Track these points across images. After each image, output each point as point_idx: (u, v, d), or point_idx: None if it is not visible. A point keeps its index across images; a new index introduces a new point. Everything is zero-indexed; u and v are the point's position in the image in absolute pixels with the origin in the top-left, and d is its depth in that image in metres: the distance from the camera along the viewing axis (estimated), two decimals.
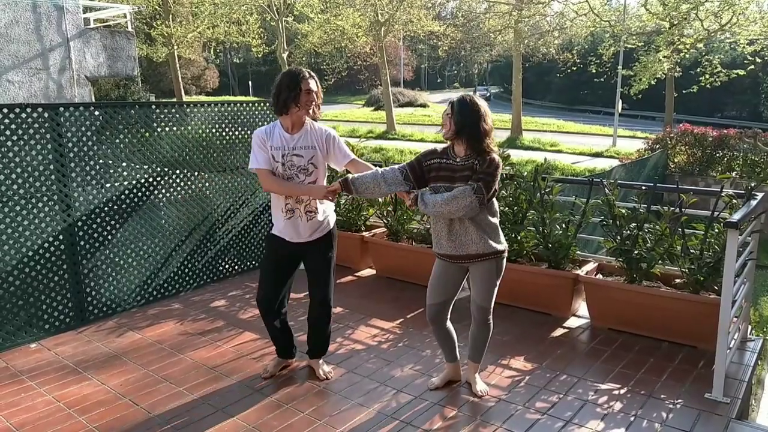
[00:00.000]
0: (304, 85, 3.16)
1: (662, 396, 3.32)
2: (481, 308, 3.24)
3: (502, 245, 3.18)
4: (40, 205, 4.10)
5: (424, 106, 41.87)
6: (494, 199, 3.19)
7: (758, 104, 33.75)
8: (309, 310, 3.56)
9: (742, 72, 19.21)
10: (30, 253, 4.06)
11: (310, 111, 3.24)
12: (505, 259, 3.23)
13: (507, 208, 4.70)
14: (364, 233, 5.66)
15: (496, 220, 3.18)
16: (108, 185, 4.49)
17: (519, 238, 4.63)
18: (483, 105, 3.04)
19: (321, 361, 3.66)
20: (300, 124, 3.28)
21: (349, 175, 3.27)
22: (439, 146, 3.23)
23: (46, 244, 4.14)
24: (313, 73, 3.24)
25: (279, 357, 3.68)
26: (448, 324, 3.38)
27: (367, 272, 5.65)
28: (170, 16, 27.34)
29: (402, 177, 3.16)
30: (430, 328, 4.27)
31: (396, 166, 3.25)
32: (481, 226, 3.08)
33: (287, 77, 3.19)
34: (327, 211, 3.43)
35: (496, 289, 3.24)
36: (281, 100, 3.17)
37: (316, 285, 3.47)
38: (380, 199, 5.54)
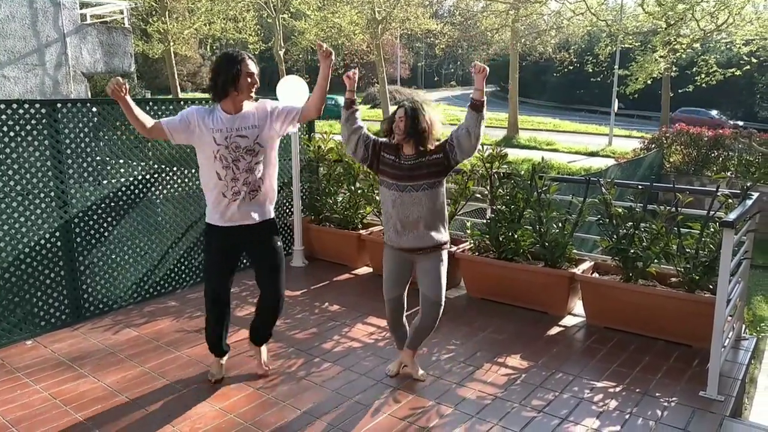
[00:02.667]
0: (244, 67, 3.05)
1: (657, 394, 3.35)
2: (435, 304, 3.28)
3: (447, 236, 3.32)
4: (36, 201, 4.09)
5: None
6: (443, 189, 3.29)
7: (753, 104, 33.86)
8: (260, 300, 3.45)
9: (737, 72, 19.29)
10: (26, 250, 4.05)
11: (251, 94, 3.14)
12: (447, 251, 3.35)
13: (504, 207, 4.72)
14: (361, 231, 5.66)
15: (444, 210, 3.30)
16: (105, 182, 4.48)
17: (516, 236, 4.65)
18: (435, 112, 3.22)
19: (264, 348, 3.63)
20: (240, 106, 3.16)
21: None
22: (392, 142, 3.31)
23: (42, 241, 4.13)
24: (251, 55, 3.15)
25: (218, 357, 3.55)
26: (404, 317, 3.52)
27: (364, 270, 5.66)
28: (167, 12, 27.28)
29: (366, 143, 3.29)
30: None
31: (365, 130, 3.33)
32: (435, 220, 3.23)
33: (225, 60, 3.06)
34: (268, 193, 3.31)
35: (445, 280, 3.32)
36: (219, 84, 3.05)
37: (269, 277, 3.36)
38: (377, 197, 5.54)
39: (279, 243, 3.39)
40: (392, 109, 3.58)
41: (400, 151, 3.26)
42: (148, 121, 3.12)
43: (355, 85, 3.28)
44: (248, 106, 3.20)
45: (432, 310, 3.30)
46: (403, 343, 3.58)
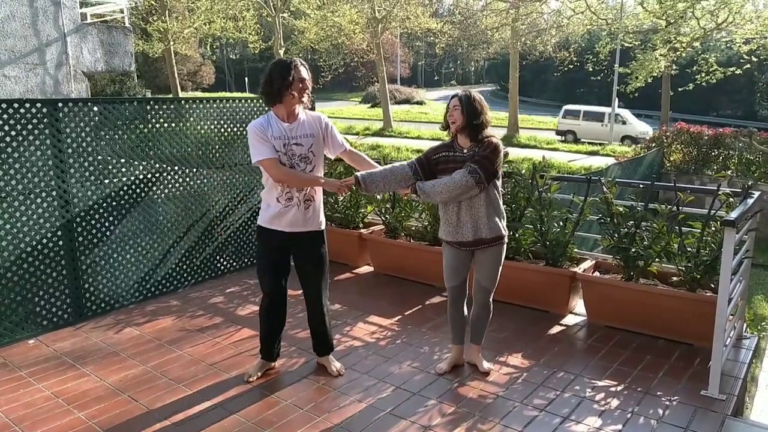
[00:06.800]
0: (297, 74, 3.14)
1: (659, 393, 3.35)
2: (486, 290, 3.47)
3: (505, 231, 3.39)
4: (38, 200, 4.09)
5: (420, 103, 41.87)
6: (497, 184, 3.34)
7: (753, 103, 33.86)
8: (308, 308, 3.56)
9: (738, 70, 19.27)
10: (28, 249, 4.06)
11: (303, 99, 3.23)
12: (506, 244, 3.45)
13: (505, 206, 4.70)
14: (362, 230, 5.67)
15: (500, 207, 3.37)
16: (106, 181, 4.48)
17: (517, 235, 4.65)
18: (484, 101, 3.29)
19: (331, 356, 3.67)
20: (294, 113, 3.26)
21: (359, 173, 3.33)
22: (444, 142, 3.42)
23: (44, 240, 4.14)
24: (303, 62, 3.23)
25: (264, 359, 3.60)
26: (465, 307, 3.58)
27: (365, 269, 5.66)
28: (166, 11, 27.26)
29: (411, 172, 3.35)
30: (428, 324, 4.31)
31: (405, 162, 3.42)
32: (487, 215, 3.28)
33: (279, 66, 3.16)
34: (320, 204, 3.43)
35: (500, 271, 3.44)
36: (275, 89, 3.14)
37: (313, 281, 3.46)
38: (378, 196, 5.54)
39: (324, 251, 3.46)
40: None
41: (454, 144, 3.32)
42: (287, 168, 3.26)
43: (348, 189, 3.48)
44: (302, 113, 3.30)
45: (483, 296, 3.47)
46: (458, 338, 3.64)
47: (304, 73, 3.18)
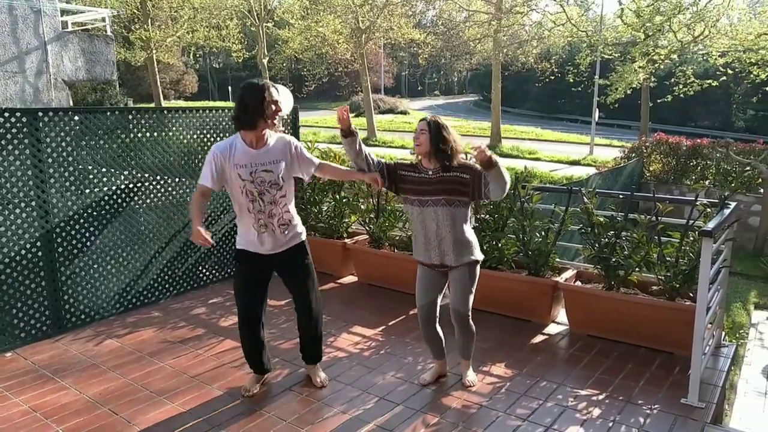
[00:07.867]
0: (270, 97, 3.07)
1: (640, 401, 3.39)
2: (460, 314, 3.41)
3: (478, 254, 3.37)
4: (17, 211, 4.03)
5: (404, 113, 42.02)
6: (470, 211, 3.36)
7: (730, 114, 34.53)
8: (298, 319, 3.54)
9: (714, 82, 19.68)
10: (6, 260, 3.99)
11: (276, 122, 3.17)
12: (479, 267, 3.41)
13: (488, 216, 4.75)
14: (346, 240, 5.67)
15: (469, 236, 3.33)
16: (87, 191, 4.43)
17: (499, 245, 4.69)
18: (451, 128, 3.25)
19: (318, 366, 3.66)
20: (263, 138, 3.19)
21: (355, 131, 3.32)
22: (411, 162, 3.45)
23: (23, 251, 4.07)
24: (273, 84, 3.19)
25: (256, 374, 3.57)
26: (437, 326, 3.54)
27: (349, 279, 5.66)
28: (149, 20, 27.13)
29: (377, 166, 3.38)
30: (412, 335, 4.32)
31: (380, 159, 3.44)
32: (458, 237, 3.27)
33: (251, 91, 3.06)
34: (298, 224, 3.42)
35: (473, 295, 3.41)
36: (249, 115, 3.06)
37: (300, 294, 3.46)
38: (362, 206, 5.56)
39: (308, 261, 3.45)
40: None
41: (419, 166, 3.32)
42: (203, 203, 3.23)
43: (348, 123, 3.25)
44: (270, 137, 3.24)
45: (460, 320, 3.42)
46: (437, 354, 3.63)
47: (276, 95, 3.12)
